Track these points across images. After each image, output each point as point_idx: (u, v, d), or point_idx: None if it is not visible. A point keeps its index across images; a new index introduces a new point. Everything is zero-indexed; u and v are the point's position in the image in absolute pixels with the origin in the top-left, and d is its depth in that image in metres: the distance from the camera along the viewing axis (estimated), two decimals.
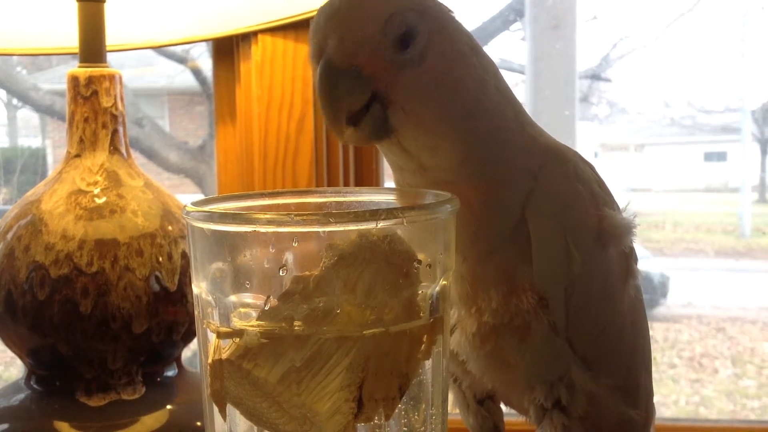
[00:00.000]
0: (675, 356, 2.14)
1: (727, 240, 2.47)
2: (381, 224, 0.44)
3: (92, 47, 0.78)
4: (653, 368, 0.62)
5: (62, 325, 0.72)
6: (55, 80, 1.73)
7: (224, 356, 0.45)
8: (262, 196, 0.55)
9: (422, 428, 0.48)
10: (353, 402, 0.44)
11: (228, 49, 0.99)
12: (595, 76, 1.93)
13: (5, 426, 0.74)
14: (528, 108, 0.60)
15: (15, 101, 1.94)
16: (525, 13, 1.63)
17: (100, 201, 0.75)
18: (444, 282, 0.48)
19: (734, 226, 2.41)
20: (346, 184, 0.97)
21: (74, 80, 0.78)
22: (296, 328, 0.43)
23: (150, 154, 1.69)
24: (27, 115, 1.98)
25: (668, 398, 1.99)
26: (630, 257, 0.58)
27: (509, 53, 1.74)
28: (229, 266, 0.45)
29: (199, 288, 0.48)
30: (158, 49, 1.54)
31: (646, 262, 2.10)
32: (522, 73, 1.63)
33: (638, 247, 0.59)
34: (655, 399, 0.63)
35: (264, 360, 0.44)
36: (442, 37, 0.52)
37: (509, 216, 0.54)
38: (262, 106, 0.94)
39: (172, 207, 0.79)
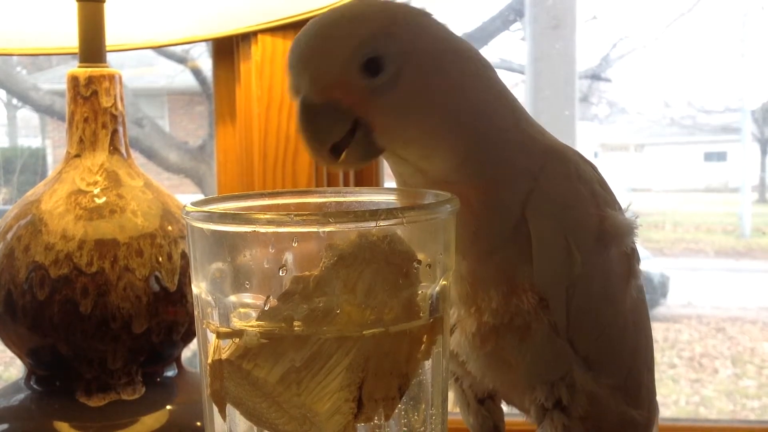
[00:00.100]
0: (675, 356, 2.14)
1: (727, 240, 2.47)
2: (381, 224, 0.44)
3: (92, 47, 0.78)
4: None
5: (62, 325, 0.72)
6: (55, 80, 1.72)
7: (224, 356, 0.45)
8: (262, 196, 0.55)
9: (422, 428, 0.48)
10: (353, 402, 0.44)
11: (228, 49, 0.99)
12: (595, 76, 1.93)
13: (5, 426, 0.74)
14: (528, 108, 0.59)
15: (15, 101, 1.94)
16: (525, 13, 1.63)
17: (99, 201, 0.75)
18: (444, 282, 0.48)
19: (734, 226, 2.41)
20: (346, 184, 0.96)
21: (74, 80, 0.78)
22: (296, 328, 0.43)
23: (150, 154, 1.69)
24: (27, 115, 1.98)
25: (668, 398, 1.99)
26: (632, 257, 0.58)
27: (509, 53, 1.74)
28: (229, 266, 0.45)
29: (199, 288, 0.48)
30: (158, 49, 1.54)
31: (646, 262, 2.10)
32: (522, 73, 1.63)
33: (638, 247, 0.59)
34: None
35: (264, 360, 0.44)
36: (417, 53, 0.51)
37: (509, 216, 0.54)
38: (262, 106, 0.94)
39: (172, 207, 0.79)
